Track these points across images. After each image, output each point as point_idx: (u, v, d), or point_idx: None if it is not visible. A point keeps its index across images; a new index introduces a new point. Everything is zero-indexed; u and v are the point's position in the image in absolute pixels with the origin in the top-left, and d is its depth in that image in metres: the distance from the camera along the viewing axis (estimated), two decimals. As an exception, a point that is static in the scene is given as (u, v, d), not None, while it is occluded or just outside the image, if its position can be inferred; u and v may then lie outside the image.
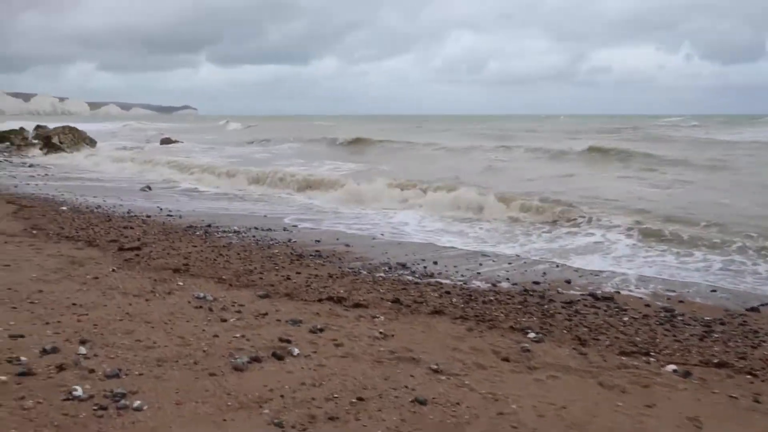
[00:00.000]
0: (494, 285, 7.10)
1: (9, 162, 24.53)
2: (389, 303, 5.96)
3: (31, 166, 23.11)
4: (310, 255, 8.38)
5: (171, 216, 11.78)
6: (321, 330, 4.86)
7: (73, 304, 5.11)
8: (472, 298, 6.39)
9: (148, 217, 11.52)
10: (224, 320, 4.97)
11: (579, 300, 6.50)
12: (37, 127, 36.89)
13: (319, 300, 5.93)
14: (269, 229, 10.60)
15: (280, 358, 4.14)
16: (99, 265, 6.95)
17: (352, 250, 8.97)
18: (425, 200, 13.38)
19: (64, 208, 12.12)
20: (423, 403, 3.57)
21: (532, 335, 5.14)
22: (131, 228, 9.99)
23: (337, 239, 9.89)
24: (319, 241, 9.66)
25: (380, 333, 4.87)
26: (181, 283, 6.25)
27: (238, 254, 8.17)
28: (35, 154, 28.90)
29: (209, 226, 10.68)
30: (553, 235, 10.60)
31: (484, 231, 10.90)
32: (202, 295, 5.73)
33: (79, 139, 31.21)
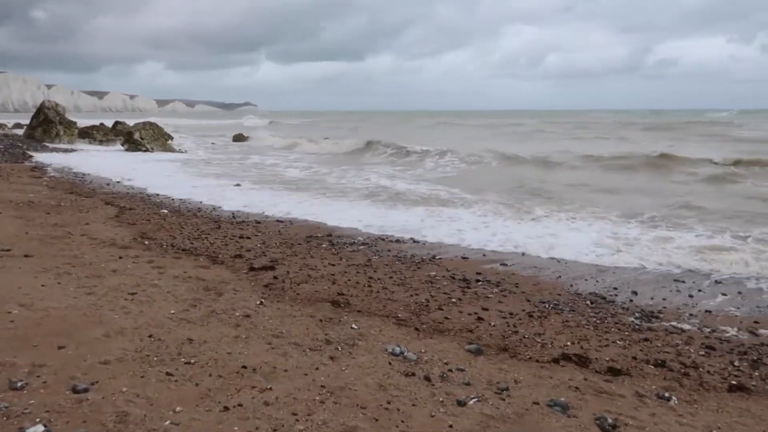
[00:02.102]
0: (754, 333, 5.28)
1: (92, 156, 24.21)
2: (652, 367, 4.27)
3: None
4: (476, 280, 6.76)
5: (281, 222, 10.45)
6: (614, 427, 3.23)
7: (243, 367, 3.68)
8: (750, 357, 4.61)
9: (258, 222, 10.23)
10: (461, 403, 3.41)
11: None
12: (116, 123, 37.09)
13: (554, 360, 4.30)
14: (398, 241, 9.08)
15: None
16: (238, 293, 5.58)
17: (517, 272, 7.30)
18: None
19: (165, 211, 11.01)
20: None
21: None
22: (247, 238, 8.68)
23: (484, 255, 8.25)
24: (466, 258, 8.05)
25: (711, 438, 3.18)
26: (355, 327, 4.76)
27: (391, 277, 6.65)
28: (117, 150, 28.71)
29: (330, 236, 9.27)
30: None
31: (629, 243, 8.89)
32: (398, 350, 4.21)
33: (159, 135, 30.79)
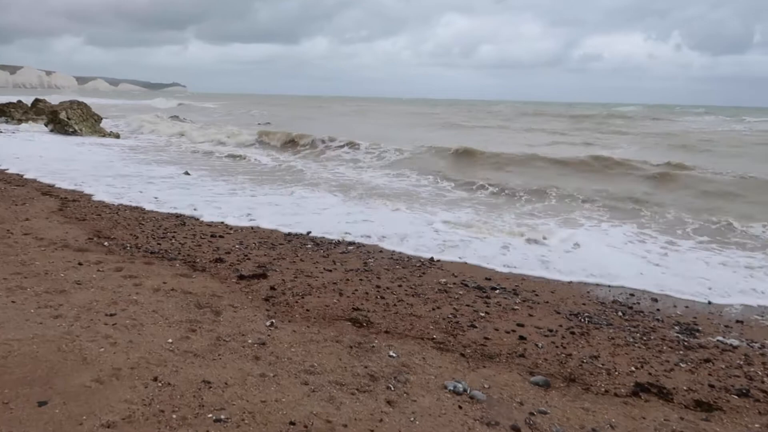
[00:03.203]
0: (802, 349, 4.96)
1: (13, 138, 21.96)
2: (736, 398, 3.81)
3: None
4: (492, 287, 6.17)
5: (252, 219, 9.47)
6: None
7: (292, 424, 2.90)
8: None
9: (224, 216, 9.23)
10: (573, 464, 2.78)
11: None
12: (36, 100, 34.06)
13: (633, 393, 3.75)
14: (383, 238, 8.37)
15: None
16: (239, 311, 4.72)
17: (527, 277, 6.77)
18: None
19: (116, 202, 9.78)
20: None
21: None
22: (221, 236, 7.72)
23: (460, 258, 7.68)
24: (464, 259, 7.46)
25: None
26: (393, 354, 4.04)
27: (400, 286, 5.96)
28: (41, 131, 26.28)
29: (308, 233, 8.44)
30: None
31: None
32: (460, 387, 3.54)
33: (87, 116, 28.34)
